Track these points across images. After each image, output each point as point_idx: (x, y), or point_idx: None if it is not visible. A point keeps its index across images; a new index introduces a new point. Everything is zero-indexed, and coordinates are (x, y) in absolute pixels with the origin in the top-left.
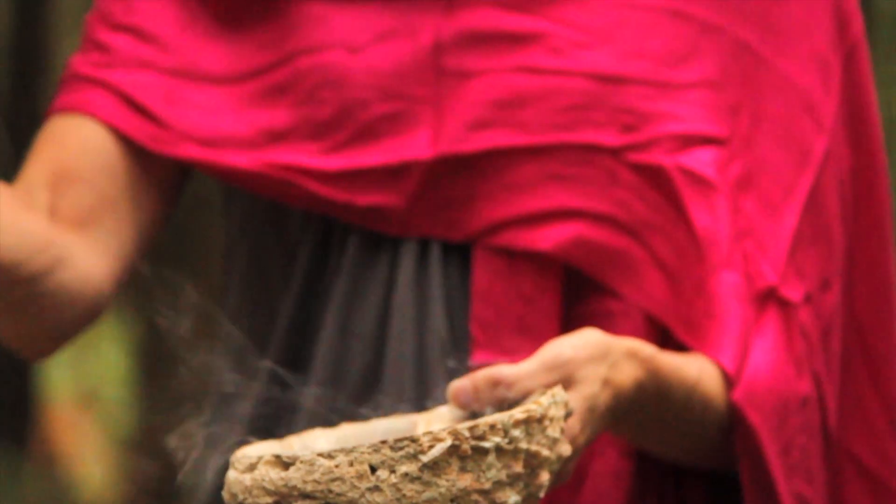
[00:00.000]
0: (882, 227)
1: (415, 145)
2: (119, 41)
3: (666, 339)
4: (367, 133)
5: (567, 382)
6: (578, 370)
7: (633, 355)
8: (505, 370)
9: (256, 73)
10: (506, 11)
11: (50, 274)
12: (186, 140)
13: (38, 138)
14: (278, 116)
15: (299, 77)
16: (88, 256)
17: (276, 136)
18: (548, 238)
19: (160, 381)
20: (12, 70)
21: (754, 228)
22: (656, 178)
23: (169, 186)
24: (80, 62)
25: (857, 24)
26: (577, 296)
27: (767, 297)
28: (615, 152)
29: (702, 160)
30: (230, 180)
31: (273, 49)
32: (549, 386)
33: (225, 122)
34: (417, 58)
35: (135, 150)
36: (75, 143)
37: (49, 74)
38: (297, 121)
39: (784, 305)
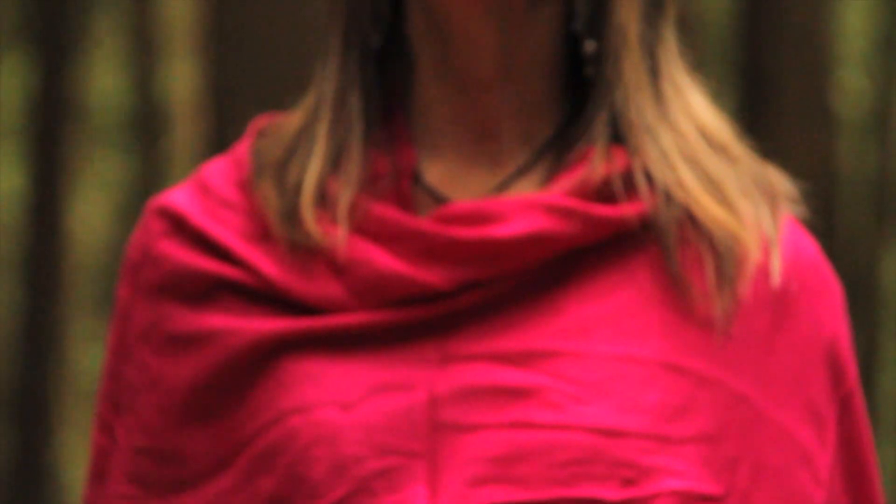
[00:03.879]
0: None
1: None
2: (143, 468)
3: None
4: (363, 490)
5: None
6: None
7: None
8: None
9: (250, 438)
10: (501, 366)
11: None
12: None
13: None
14: (274, 483)
15: (291, 437)
16: None
17: None
18: None
19: None
20: (23, 353)
21: None
22: None
23: None
24: (112, 495)
25: (852, 373)
26: None
27: None
28: None
29: None
30: None
31: (265, 411)
32: None
33: None
34: (412, 412)
35: None
36: None
37: (59, 357)
38: (292, 483)
39: None
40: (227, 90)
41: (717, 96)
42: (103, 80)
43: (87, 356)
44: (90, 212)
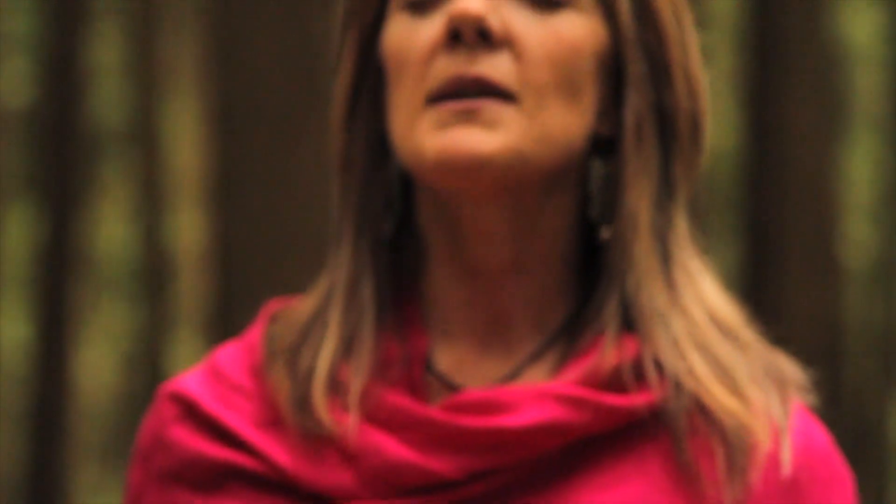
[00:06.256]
0: None
1: None
2: None
3: None
4: None
5: None
6: None
7: None
8: None
9: None
10: None
11: None
12: None
13: None
14: None
15: None
16: None
17: None
18: None
19: None
20: (29, 502)
21: None
22: None
23: None
24: None
25: None
26: None
27: None
28: None
29: None
30: None
31: None
32: None
33: None
34: None
35: None
36: None
37: (63, 499)
38: None
39: None
40: (234, 241)
41: (723, 246)
42: (110, 229)
43: None
44: (96, 361)
